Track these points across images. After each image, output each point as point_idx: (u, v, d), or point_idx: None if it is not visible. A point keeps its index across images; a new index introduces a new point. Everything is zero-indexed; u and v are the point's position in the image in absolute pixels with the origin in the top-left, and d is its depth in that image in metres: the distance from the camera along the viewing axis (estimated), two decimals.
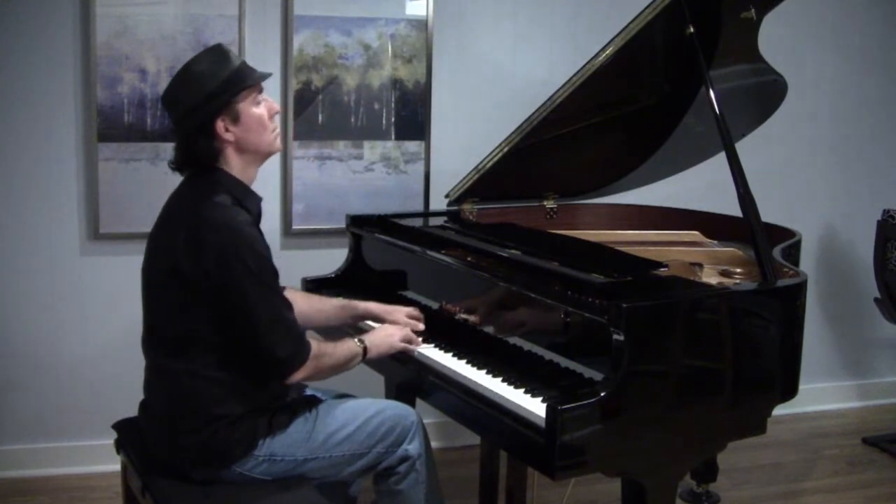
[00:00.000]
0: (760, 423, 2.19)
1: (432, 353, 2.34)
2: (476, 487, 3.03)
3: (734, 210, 2.40)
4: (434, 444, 2.45)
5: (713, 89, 2.41)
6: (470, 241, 2.58)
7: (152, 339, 2.17)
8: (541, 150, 2.87)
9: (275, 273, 2.10)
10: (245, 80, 2.11)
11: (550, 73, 3.24)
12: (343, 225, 2.99)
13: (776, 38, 3.04)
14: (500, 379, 2.10)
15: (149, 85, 3.24)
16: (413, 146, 3.57)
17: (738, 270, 2.50)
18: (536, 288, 2.16)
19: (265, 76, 2.17)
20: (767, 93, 2.92)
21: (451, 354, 2.30)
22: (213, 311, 2.04)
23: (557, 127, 2.82)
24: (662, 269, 2.25)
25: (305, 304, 2.46)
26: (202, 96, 2.06)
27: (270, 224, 3.36)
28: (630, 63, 2.65)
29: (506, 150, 2.79)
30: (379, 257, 2.88)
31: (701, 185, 3.31)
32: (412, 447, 2.23)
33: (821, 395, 4.28)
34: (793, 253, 2.68)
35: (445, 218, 3.03)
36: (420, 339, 2.40)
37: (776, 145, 3.94)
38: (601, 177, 3.09)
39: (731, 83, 2.74)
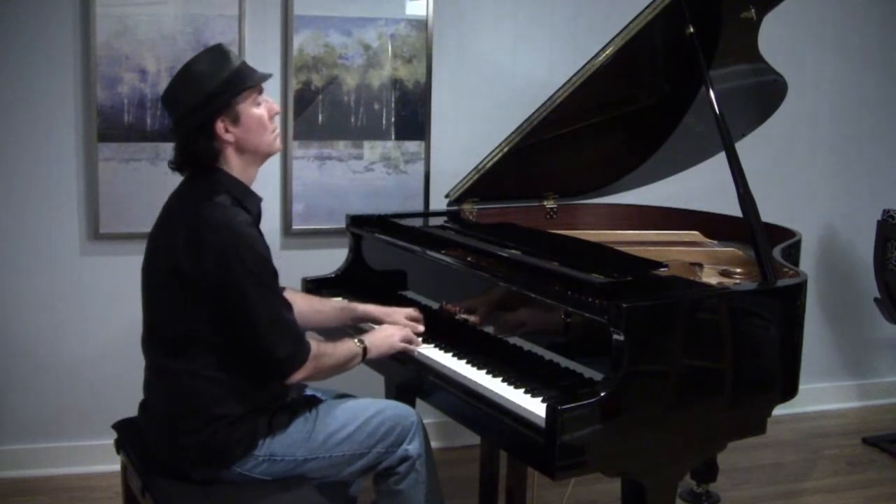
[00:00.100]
0: (760, 423, 2.19)
1: (432, 353, 2.34)
2: (476, 487, 3.03)
3: (734, 210, 2.40)
4: (434, 444, 2.45)
5: (713, 89, 2.41)
6: (470, 241, 2.58)
7: (152, 339, 2.17)
8: (541, 150, 2.87)
9: (274, 273, 2.10)
10: (245, 81, 2.11)
11: (550, 73, 3.24)
12: (343, 225, 2.99)
13: (776, 38, 3.04)
14: (500, 379, 2.10)
15: (149, 85, 3.24)
16: (413, 146, 3.57)
17: (738, 270, 2.50)
18: (536, 288, 2.16)
19: (265, 77, 2.17)
20: (767, 93, 2.92)
21: (451, 354, 2.30)
22: (212, 312, 2.04)
23: (557, 127, 2.82)
24: (662, 269, 2.25)
25: (305, 306, 2.46)
26: (202, 96, 2.06)
27: (270, 224, 3.36)
28: (630, 63, 2.65)
29: (506, 150, 2.79)
30: (379, 257, 2.88)
31: (701, 185, 3.30)
32: (412, 447, 2.23)
33: (821, 395, 4.28)
34: (793, 253, 2.68)
35: (445, 218, 3.03)
36: (420, 339, 2.40)
37: (776, 145, 3.94)
38: (601, 177, 3.09)
39: (731, 83, 2.74)
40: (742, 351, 2.10)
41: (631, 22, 2.48)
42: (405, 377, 2.45)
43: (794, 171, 4.15)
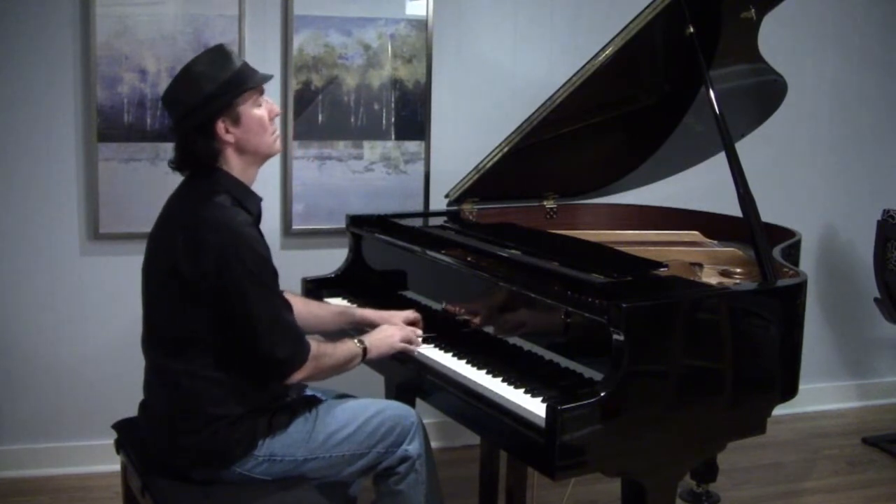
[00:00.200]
0: (760, 423, 2.19)
1: (432, 353, 2.34)
2: (476, 487, 3.03)
3: (734, 210, 2.40)
4: (434, 444, 2.45)
5: (713, 89, 2.41)
6: (470, 241, 2.58)
7: (152, 340, 2.17)
8: (541, 150, 2.87)
9: (274, 273, 2.10)
10: (246, 82, 2.11)
11: (550, 73, 3.24)
12: (343, 225, 2.99)
13: (776, 38, 3.04)
14: (500, 379, 2.10)
15: (149, 85, 3.24)
16: (413, 146, 3.57)
17: (738, 270, 2.50)
18: (536, 288, 2.16)
19: (267, 78, 2.17)
20: (767, 93, 2.92)
21: (451, 354, 2.30)
22: (212, 312, 2.04)
23: (557, 127, 2.82)
24: (662, 269, 2.25)
25: (303, 310, 2.46)
26: (203, 97, 2.06)
27: (270, 224, 3.36)
28: (630, 63, 2.65)
29: (506, 150, 2.79)
30: (379, 257, 2.88)
31: (701, 185, 3.30)
32: (412, 447, 2.23)
33: (821, 395, 4.28)
34: (793, 253, 2.68)
35: (445, 218, 3.03)
36: (420, 339, 2.40)
37: (776, 145, 3.94)
38: (601, 177, 3.09)
39: (731, 83, 2.74)
40: (742, 351, 2.10)
41: (631, 22, 2.48)
42: (405, 377, 2.45)
43: (794, 171, 4.15)
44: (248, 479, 2.11)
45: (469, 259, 2.46)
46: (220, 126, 2.09)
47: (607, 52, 2.51)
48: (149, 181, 3.25)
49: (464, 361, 2.24)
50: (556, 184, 3.13)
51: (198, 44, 3.23)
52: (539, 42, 3.69)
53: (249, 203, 2.16)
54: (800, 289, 2.24)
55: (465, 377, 2.17)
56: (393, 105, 3.52)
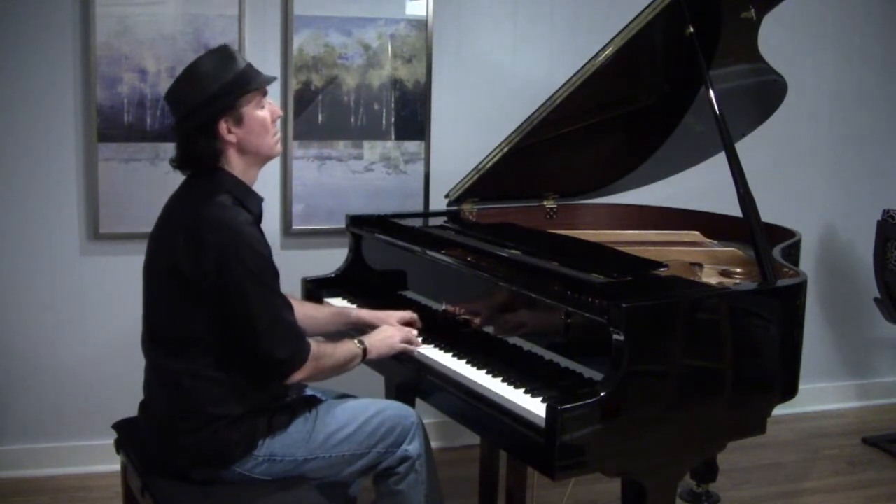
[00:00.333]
0: (760, 423, 2.19)
1: (432, 353, 2.34)
2: (476, 487, 3.03)
3: (734, 210, 2.40)
4: (434, 444, 2.45)
5: (713, 89, 2.41)
6: (470, 241, 2.59)
7: (153, 340, 2.17)
8: (541, 150, 2.86)
9: (275, 273, 2.10)
10: (250, 83, 2.12)
11: (550, 73, 3.24)
12: (343, 225, 2.99)
13: (776, 38, 3.04)
14: (500, 379, 2.10)
15: (149, 85, 3.24)
16: (413, 146, 3.57)
17: (738, 270, 2.50)
18: (536, 288, 2.16)
19: (270, 80, 2.18)
20: (767, 93, 2.92)
21: (451, 354, 2.30)
22: (213, 312, 2.04)
23: (557, 127, 2.82)
24: (662, 269, 2.25)
25: (299, 312, 2.43)
26: (207, 97, 2.07)
27: (270, 224, 3.36)
28: (630, 63, 2.65)
29: (506, 150, 2.79)
30: (379, 257, 2.88)
31: (701, 185, 3.30)
32: (412, 447, 2.23)
33: (821, 395, 4.28)
34: (793, 253, 2.68)
35: (445, 218, 3.03)
36: (420, 340, 2.40)
37: (776, 145, 3.94)
38: (601, 177, 3.09)
39: (731, 83, 2.74)
40: (742, 351, 2.10)
41: (631, 22, 2.48)
42: (405, 377, 2.45)
43: (794, 171, 4.15)
44: (248, 479, 2.11)
45: (469, 259, 2.46)
46: (223, 126, 2.09)
47: (607, 52, 2.51)
48: (149, 181, 3.25)
49: (464, 361, 2.24)
50: (556, 184, 3.13)
51: (198, 44, 3.23)
52: (539, 42, 3.69)
53: (251, 203, 2.16)
54: (800, 289, 2.24)
55: (465, 377, 2.17)
56: (393, 105, 3.52)
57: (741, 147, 2.46)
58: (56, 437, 3.37)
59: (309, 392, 2.33)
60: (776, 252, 2.48)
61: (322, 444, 2.17)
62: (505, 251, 2.42)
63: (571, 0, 3.71)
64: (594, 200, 3.24)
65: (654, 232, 2.97)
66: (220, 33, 3.26)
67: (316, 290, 2.88)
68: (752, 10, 2.58)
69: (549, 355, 2.14)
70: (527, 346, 2.21)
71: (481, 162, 2.86)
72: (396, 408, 2.28)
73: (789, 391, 2.23)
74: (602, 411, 1.85)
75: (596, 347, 1.97)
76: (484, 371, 2.16)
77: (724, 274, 2.48)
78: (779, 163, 4.05)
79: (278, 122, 2.22)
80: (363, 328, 2.45)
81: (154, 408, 2.19)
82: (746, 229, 2.32)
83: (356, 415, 2.23)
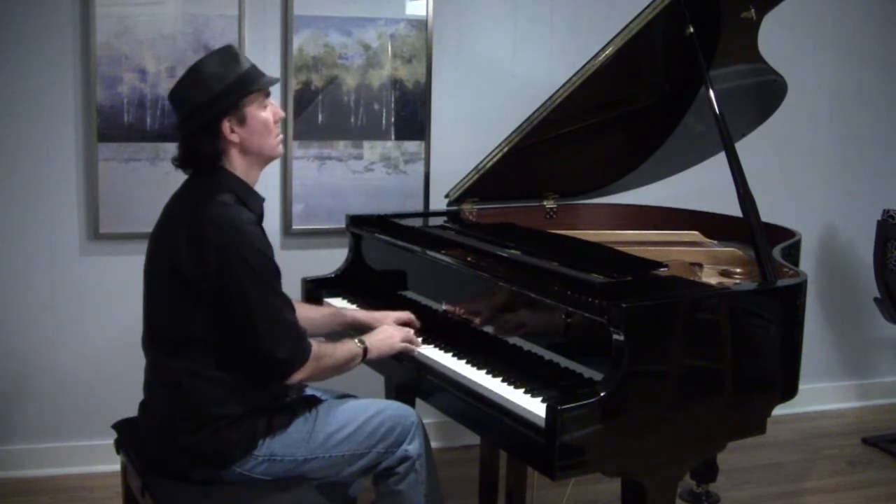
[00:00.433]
0: (760, 423, 2.19)
1: (432, 353, 2.34)
2: (476, 487, 3.03)
3: (734, 210, 2.40)
4: (434, 444, 2.45)
5: (713, 89, 2.41)
6: (470, 241, 2.58)
7: (153, 339, 2.17)
8: (541, 150, 2.86)
9: (276, 272, 2.10)
10: (254, 84, 2.12)
11: (550, 73, 3.24)
12: (343, 225, 2.99)
13: (776, 38, 3.04)
14: (500, 379, 2.10)
15: (149, 85, 3.24)
16: (413, 146, 3.57)
17: (738, 270, 2.50)
18: (536, 288, 2.16)
19: (273, 81, 2.19)
20: (767, 93, 2.91)
21: (451, 354, 2.30)
22: (214, 311, 2.04)
23: (557, 127, 2.82)
24: (662, 269, 2.25)
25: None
26: (211, 96, 2.07)
27: (270, 224, 3.36)
28: (630, 63, 2.65)
29: (506, 150, 2.79)
30: (379, 257, 2.88)
31: (701, 185, 3.30)
32: (412, 447, 2.23)
33: (821, 395, 4.28)
34: (793, 253, 2.68)
35: (445, 218, 3.03)
36: (419, 340, 2.40)
37: (776, 145, 3.94)
38: (601, 177, 3.09)
39: (731, 83, 2.74)
40: (742, 351, 2.10)
41: (631, 22, 2.48)
42: (405, 377, 2.45)
43: (794, 171, 4.15)
44: (248, 479, 2.11)
45: (469, 259, 2.46)
46: (226, 126, 2.10)
47: (607, 52, 2.51)
48: (149, 181, 3.25)
49: (464, 361, 2.24)
50: (556, 184, 3.13)
51: (198, 44, 3.23)
52: (539, 42, 3.69)
53: (252, 203, 2.17)
54: (800, 289, 2.24)
55: (465, 377, 2.17)
56: (393, 105, 3.52)
57: (741, 147, 2.46)
58: (56, 437, 3.37)
59: (309, 392, 2.33)
60: (776, 252, 2.48)
61: (322, 444, 2.17)
62: (505, 251, 2.42)
63: (571, 0, 3.71)
64: (594, 200, 3.24)
65: (654, 232, 2.97)
66: (220, 33, 3.26)
67: (316, 290, 2.88)
68: (752, 10, 2.58)
69: (549, 355, 2.14)
70: (527, 346, 2.21)
71: (481, 162, 2.86)
72: (396, 408, 2.28)
73: (789, 391, 2.23)
74: (602, 411, 1.85)
75: (596, 347, 1.97)
76: (484, 371, 2.16)
77: (724, 274, 2.48)
78: (779, 163, 4.05)
79: (280, 123, 2.23)
80: (359, 329, 2.45)
81: (154, 408, 2.19)
82: (746, 229, 2.32)
83: (356, 415, 2.23)
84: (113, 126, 3.23)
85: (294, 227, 3.48)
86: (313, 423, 2.18)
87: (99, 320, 3.34)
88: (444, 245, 2.59)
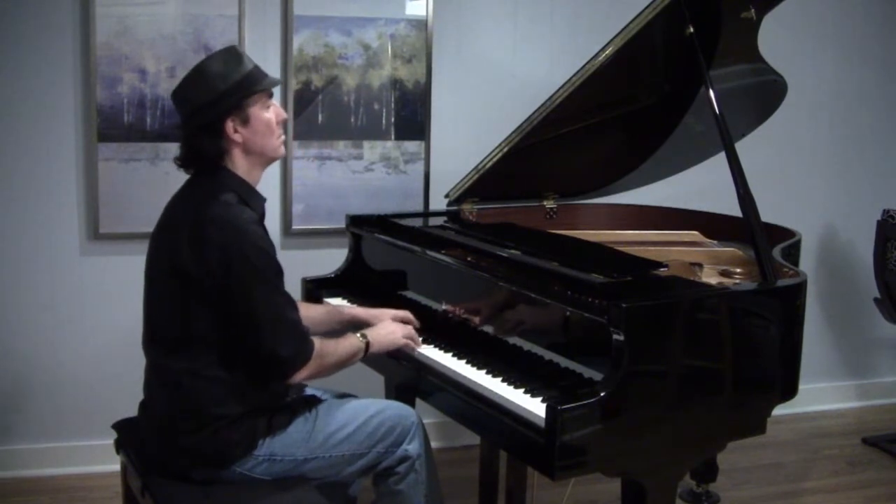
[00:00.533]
0: (760, 423, 2.19)
1: (432, 353, 2.34)
2: (476, 487, 3.03)
3: (734, 210, 2.40)
4: (434, 444, 2.45)
5: (713, 89, 2.41)
6: (470, 241, 2.58)
7: (153, 339, 2.17)
8: (541, 150, 2.86)
9: (279, 271, 2.10)
10: (258, 84, 2.13)
11: (550, 73, 3.24)
12: (343, 225, 2.99)
13: (776, 38, 3.04)
14: (499, 379, 2.10)
15: (149, 85, 3.24)
16: (413, 146, 3.57)
17: (738, 270, 2.50)
18: (536, 288, 2.16)
19: (276, 83, 2.21)
20: (767, 93, 2.91)
21: (451, 354, 2.30)
22: (216, 310, 2.04)
23: (557, 127, 2.82)
24: (662, 269, 2.25)
25: None
26: (214, 96, 2.08)
27: (270, 224, 3.30)
28: (630, 63, 2.65)
29: (506, 150, 2.79)
30: (379, 257, 2.88)
31: (701, 185, 3.31)
32: (412, 447, 2.23)
33: (821, 395, 4.28)
34: (793, 253, 2.68)
35: (445, 218, 3.03)
36: (420, 338, 2.40)
37: (776, 145, 3.94)
38: (601, 177, 3.09)
39: (731, 83, 2.74)
40: (742, 351, 2.10)
41: (631, 22, 2.48)
42: (405, 377, 2.45)
43: (794, 171, 4.15)
44: (248, 479, 2.12)
45: (469, 259, 2.46)
46: (229, 125, 2.10)
47: (607, 52, 2.51)
48: (149, 181, 3.25)
49: (464, 361, 2.24)
50: (556, 184, 3.13)
51: (198, 44, 3.23)
52: (539, 42, 3.69)
53: (254, 202, 2.17)
54: (800, 289, 2.24)
55: (465, 377, 2.17)
56: (393, 105, 3.52)
57: (741, 147, 2.46)
58: (56, 437, 3.37)
59: (309, 392, 2.34)
60: (776, 252, 2.48)
61: (322, 444, 2.17)
62: (505, 251, 2.42)
63: (571, 0, 3.71)
64: (594, 200, 3.24)
65: (654, 232, 2.97)
66: (220, 33, 3.26)
67: (316, 290, 2.87)
68: (752, 11, 2.58)
69: (549, 355, 2.14)
70: (527, 346, 2.21)
71: (481, 162, 2.86)
72: (396, 408, 2.28)
73: (789, 391, 2.23)
74: (602, 411, 1.85)
75: (596, 347, 1.97)
76: (484, 371, 2.16)
77: (724, 274, 2.48)
78: (779, 163, 4.05)
79: (283, 124, 2.23)
80: (358, 326, 2.45)
81: (154, 408, 2.19)
82: (746, 229, 2.32)
83: (356, 415, 2.23)
84: (113, 126, 3.23)
85: (294, 227, 3.48)
86: (313, 422, 2.18)
87: (99, 320, 3.34)
88: (444, 245, 2.59)
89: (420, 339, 2.39)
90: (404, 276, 2.72)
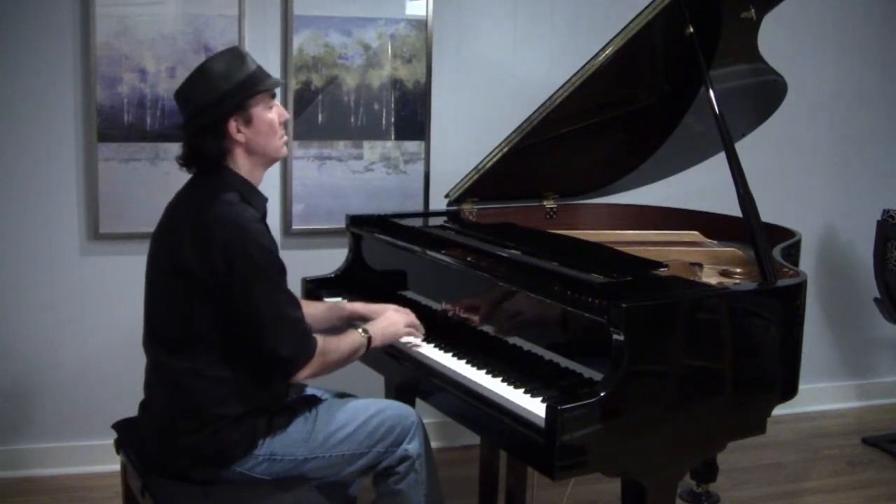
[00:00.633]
0: (760, 423, 2.19)
1: (432, 353, 2.34)
2: (476, 487, 3.03)
3: (734, 210, 2.40)
4: (434, 444, 2.45)
5: (713, 89, 2.41)
6: (470, 241, 2.58)
7: (154, 338, 2.17)
8: (541, 150, 2.87)
9: (281, 269, 2.10)
10: (260, 84, 2.13)
11: (550, 73, 3.24)
12: (343, 225, 2.99)
13: (776, 38, 3.04)
14: (499, 379, 2.10)
15: (149, 85, 3.24)
16: (413, 146, 3.57)
17: (738, 270, 2.50)
18: (536, 288, 2.16)
19: (279, 83, 2.21)
20: (767, 93, 2.91)
21: (451, 354, 2.30)
22: (218, 308, 2.04)
23: (557, 127, 2.82)
24: (662, 269, 2.25)
25: None
26: (217, 95, 2.08)
27: (271, 224, 3.27)
28: (630, 63, 2.65)
29: (506, 150, 2.79)
30: (379, 257, 2.88)
31: (701, 185, 3.31)
32: (412, 447, 2.23)
33: (821, 395, 4.28)
34: (793, 253, 2.68)
35: (445, 218, 3.03)
36: (422, 329, 2.40)
37: (776, 145, 3.94)
38: (601, 177, 3.09)
39: (731, 83, 2.74)
40: (742, 351, 2.10)
41: (631, 22, 2.48)
42: (405, 377, 2.45)
43: (794, 171, 4.15)
44: (248, 479, 2.12)
45: (469, 259, 2.46)
46: (232, 125, 2.11)
47: (607, 52, 2.51)
48: (149, 181, 3.25)
49: (464, 361, 2.25)
50: (556, 184, 3.13)
51: (198, 44, 3.23)
52: (539, 42, 3.69)
53: (256, 202, 2.17)
54: (800, 289, 2.24)
55: (465, 377, 2.17)
56: (393, 105, 3.52)
57: (741, 147, 2.46)
58: (56, 437, 3.37)
59: (309, 391, 2.34)
60: (776, 252, 2.48)
61: (322, 444, 2.17)
62: (505, 251, 2.42)
63: (571, 0, 3.71)
64: (594, 200, 3.24)
65: (654, 232, 2.97)
66: (220, 33, 3.26)
67: (316, 290, 2.88)
68: (752, 10, 2.58)
69: (549, 355, 2.14)
70: (527, 346, 2.21)
71: (481, 162, 2.86)
72: (396, 407, 2.28)
73: (789, 391, 2.23)
74: (602, 411, 1.85)
75: (596, 347, 1.97)
76: (484, 371, 2.16)
77: (724, 274, 2.48)
78: (779, 163, 4.05)
79: (285, 125, 2.24)
80: (358, 321, 2.45)
81: (154, 407, 2.19)
82: (746, 229, 2.32)
83: (356, 414, 2.23)
84: (113, 126, 3.23)
85: (294, 227, 3.48)
86: (313, 422, 2.18)
87: (99, 320, 3.34)
88: (444, 245, 2.59)
89: (423, 327, 2.39)
90: (404, 276, 2.72)
